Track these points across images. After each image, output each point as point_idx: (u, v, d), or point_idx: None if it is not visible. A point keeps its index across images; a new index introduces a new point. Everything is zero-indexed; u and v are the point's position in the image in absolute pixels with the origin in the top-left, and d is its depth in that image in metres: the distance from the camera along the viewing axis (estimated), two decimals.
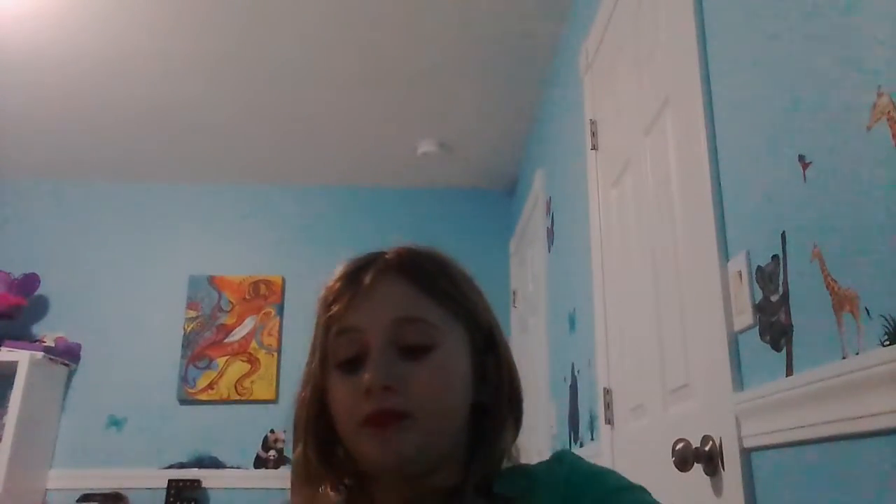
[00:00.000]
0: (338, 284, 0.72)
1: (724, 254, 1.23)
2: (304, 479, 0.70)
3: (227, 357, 3.66)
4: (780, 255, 1.05)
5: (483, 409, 0.72)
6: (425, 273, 0.72)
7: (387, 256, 0.73)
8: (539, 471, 0.72)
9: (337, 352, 0.69)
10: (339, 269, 0.74)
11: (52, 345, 3.44)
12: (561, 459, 0.73)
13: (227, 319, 3.72)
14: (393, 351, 0.67)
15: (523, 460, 0.75)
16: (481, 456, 0.70)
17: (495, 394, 0.73)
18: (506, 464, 0.72)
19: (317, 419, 0.71)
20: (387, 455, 0.65)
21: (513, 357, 0.77)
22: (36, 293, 3.59)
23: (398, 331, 0.68)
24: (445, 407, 0.69)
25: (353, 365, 0.68)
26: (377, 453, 0.66)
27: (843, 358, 0.88)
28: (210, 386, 3.60)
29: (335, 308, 0.70)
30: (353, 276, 0.71)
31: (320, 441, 0.71)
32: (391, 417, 0.65)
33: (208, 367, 3.64)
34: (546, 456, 0.75)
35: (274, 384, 3.59)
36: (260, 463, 3.48)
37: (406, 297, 0.70)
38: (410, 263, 0.72)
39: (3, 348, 3.29)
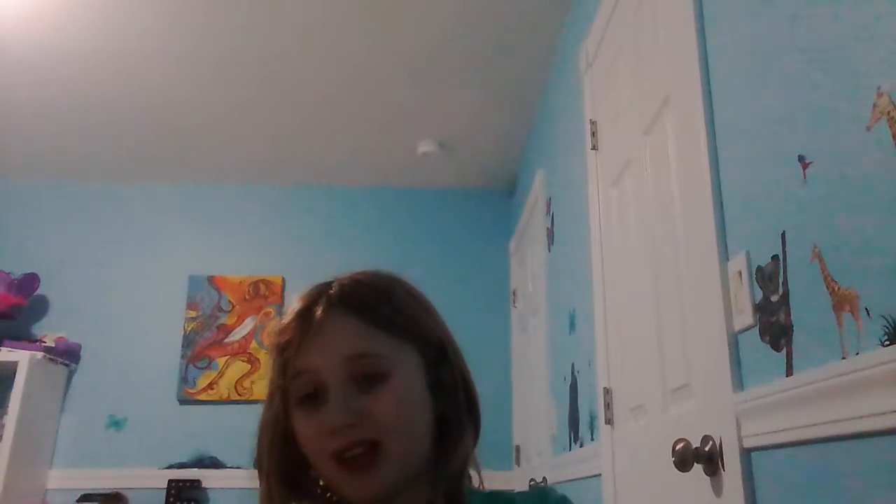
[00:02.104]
0: (286, 327, 0.73)
1: (724, 254, 1.23)
2: None
3: (227, 357, 3.66)
4: (780, 256, 1.05)
5: (444, 420, 0.75)
6: (368, 305, 0.73)
7: (330, 292, 0.74)
8: (519, 500, 0.75)
9: (297, 391, 0.71)
10: (289, 307, 0.76)
11: (53, 345, 3.44)
12: (545, 497, 0.76)
13: (227, 319, 3.72)
14: (350, 386, 0.70)
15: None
16: (445, 464, 0.72)
17: (453, 403, 0.75)
18: (469, 471, 0.76)
19: (280, 455, 0.73)
20: (362, 492, 0.69)
21: (466, 365, 0.79)
22: (36, 293, 3.59)
23: (351, 366, 0.70)
24: (410, 428, 0.72)
25: (314, 401, 0.70)
26: (352, 491, 0.69)
27: (843, 358, 0.88)
28: (210, 386, 3.61)
29: (288, 352, 0.71)
30: (302, 316, 0.73)
31: (287, 474, 0.73)
32: (362, 456, 0.68)
33: (208, 367, 3.64)
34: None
35: None
36: None
37: (353, 333, 0.72)
38: (353, 297, 0.74)
39: (3, 348, 3.29)
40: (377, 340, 0.72)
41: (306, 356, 0.71)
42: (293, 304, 0.75)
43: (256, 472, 0.75)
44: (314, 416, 0.70)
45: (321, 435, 0.69)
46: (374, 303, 0.74)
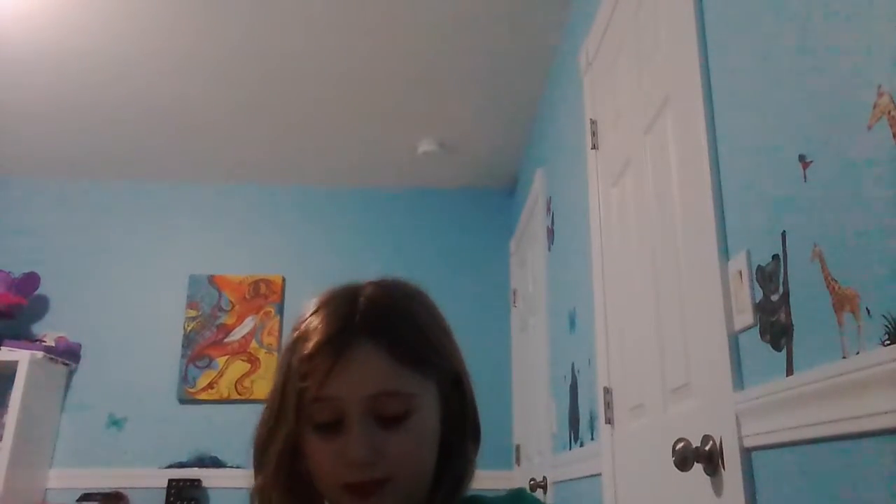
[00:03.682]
0: (313, 353, 0.70)
1: (725, 253, 1.23)
2: None
3: (227, 356, 3.66)
4: (781, 255, 1.04)
5: (447, 444, 0.75)
6: (397, 338, 0.71)
7: (358, 318, 0.71)
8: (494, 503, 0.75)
9: (314, 416, 0.70)
10: (310, 324, 0.73)
11: (53, 344, 3.44)
12: (520, 499, 0.76)
13: (227, 319, 3.72)
14: (371, 422, 0.69)
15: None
16: (445, 492, 0.73)
17: (460, 430, 0.76)
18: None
19: (289, 471, 0.73)
20: None
21: (472, 389, 0.79)
22: (36, 293, 3.59)
23: (376, 403, 0.69)
24: (422, 465, 0.72)
25: (331, 428, 0.70)
26: None
27: (844, 357, 0.87)
28: (210, 385, 3.61)
29: (311, 380, 0.70)
30: (327, 344, 0.70)
31: (292, 488, 0.73)
32: (373, 485, 0.68)
33: (208, 366, 3.64)
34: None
35: None
36: None
37: (382, 370, 0.70)
38: (381, 327, 0.71)
39: (3, 348, 3.29)
40: (404, 378, 0.71)
41: (331, 386, 0.69)
42: (315, 322, 0.72)
43: (253, 470, 0.75)
44: (331, 444, 0.69)
45: (337, 465, 0.68)
46: (403, 334, 0.72)
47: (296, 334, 0.74)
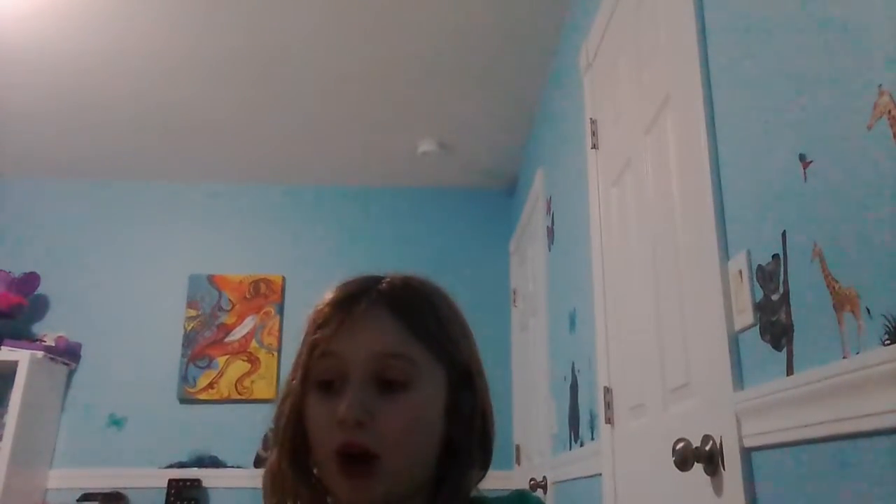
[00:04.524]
0: (328, 308, 0.73)
1: (725, 253, 1.23)
2: (280, 490, 0.73)
3: (227, 356, 3.66)
4: (781, 255, 1.04)
5: (452, 445, 0.73)
6: (415, 311, 0.73)
7: (381, 287, 0.74)
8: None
9: (317, 372, 0.71)
10: (332, 291, 0.75)
11: (53, 344, 3.44)
12: (523, 500, 0.76)
13: (227, 319, 3.72)
14: (371, 384, 0.69)
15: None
16: (445, 494, 0.72)
17: (466, 431, 0.74)
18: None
19: (294, 434, 0.72)
20: (355, 499, 0.69)
21: (490, 399, 0.77)
22: (36, 292, 3.59)
23: (379, 364, 0.70)
24: (413, 448, 0.70)
25: (330, 387, 0.70)
26: (346, 496, 0.69)
27: (844, 357, 0.87)
28: (210, 385, 3.61)
29: (322, 332, 0.71)
30: (345, 302, 0.72)
31: (297, 454, 0.72)
32: (360, 462, 0.67)
33: (208, 366, 3.64)
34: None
35: (274, 383, 3.59)
36: (260, 462, 3.47)
37: (392, 332, 0.71)
38: (402, 299, 0.73)
39: (3, 347, 3.29)
40: (412, 347, 0.71)
41: (338, 340, 0.70)
42: (337, 291, 0.75)
43: (270, 443, 0.75)
44: (327, 403, 0.69)
45: (329, 422, 0.68)
46: (420, 310, 0.74)
47: (319, 303, 0.75)
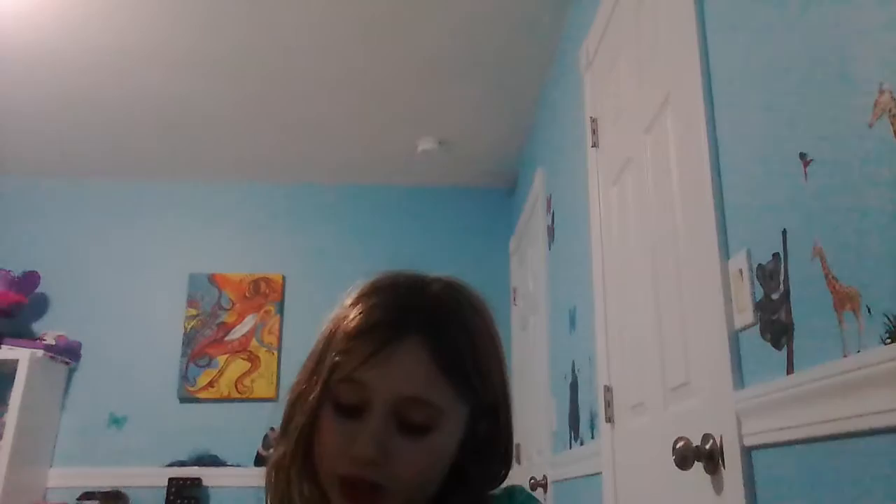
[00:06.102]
0: (362, 330, 0.68)
1: (725, 252, 1.23)
2: (284, 486, 0.71)
3: (227, 355, 3.66)
4: (781, 253, 1.04)
5: (459, 469, 0.72)
6: (450, 347, 0.69)
7: (415, 315, 0.69)
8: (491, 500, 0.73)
9: (338, 394, 0.68)
10: (366, 297, 0.71)
11: (53, 343, 3.44)
12: (512, 495, 0.75)
13: (227, 317, 3.72)
14: (392, 423, 0.66)
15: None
16: None
17: (478, 461, 0.73)
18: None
19: (306, 436, 0.70)
20: None
21: (511, 421, 0.76)
22: (36, 291, 3.59)
23: (404, 406, 0.66)
24: (423, 483, 0.68)
25: (349, 411, 0.67)
26: None
27: (844, 356, 0.87)
28: (210, 384, 3.61)
29: (350, 358, 0.67)
30: (380, 328, 0.68)
31: (306, 456, 0.70)
32: (366, 492, 0.65)
33: (209, 365, 3.64)
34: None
35: (274, 382, 3.59)
36: (260, 461, 3.47)
37: (424, 375, 0.67)
38: (440, 330, 0.69)
39: (3, 346, 3.30)
40: (440, 391, 0.67)
41: (366, 372, 0.66)
42: (373, 301, 0.70)
43: (278, 438, 0.72)
44: (343, 426, 0.67)
45: (341, 448, 0.66)
46: (455, 345, 0.69)
47: (349, 304, 0.71)
